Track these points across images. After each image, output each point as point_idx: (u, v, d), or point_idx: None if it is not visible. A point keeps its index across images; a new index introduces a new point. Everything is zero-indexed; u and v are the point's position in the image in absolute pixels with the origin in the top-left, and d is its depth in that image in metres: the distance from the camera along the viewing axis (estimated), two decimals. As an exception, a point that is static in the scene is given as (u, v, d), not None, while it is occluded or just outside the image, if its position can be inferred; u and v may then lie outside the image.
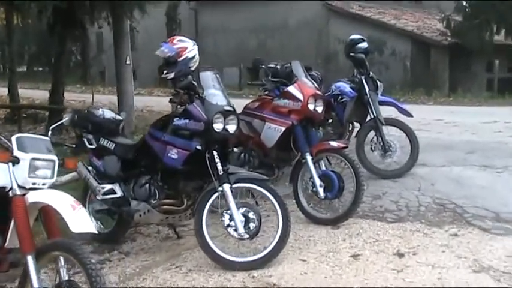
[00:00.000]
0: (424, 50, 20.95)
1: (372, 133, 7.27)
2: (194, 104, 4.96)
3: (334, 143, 5.85)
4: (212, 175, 4.86)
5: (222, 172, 4.86)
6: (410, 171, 7.14)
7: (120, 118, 6.01)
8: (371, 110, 7.18)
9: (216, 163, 4.87)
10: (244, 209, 4.84)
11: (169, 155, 4.99)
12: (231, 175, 4.90)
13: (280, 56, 26.09)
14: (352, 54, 7.35)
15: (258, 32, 26.43)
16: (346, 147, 5.86)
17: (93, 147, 5.76)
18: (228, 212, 4.79)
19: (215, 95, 5.01)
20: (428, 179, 6.94)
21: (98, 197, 5.59)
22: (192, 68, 5.06)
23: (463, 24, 20.00)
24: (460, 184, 6.67)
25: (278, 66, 7.67)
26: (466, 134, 9.47)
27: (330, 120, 7.50)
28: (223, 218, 4.80)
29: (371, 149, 7.24)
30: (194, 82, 4.99)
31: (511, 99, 16.54)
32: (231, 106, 5.02)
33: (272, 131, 5.95)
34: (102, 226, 5.87)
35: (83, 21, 11.53)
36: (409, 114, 7.38)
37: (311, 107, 5.85)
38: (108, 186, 5.54)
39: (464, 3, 20.44)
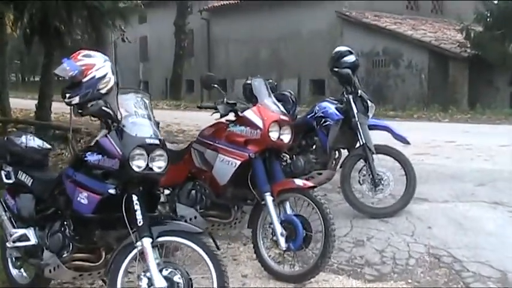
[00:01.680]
0: (442, 62, 19.67)
1: (361, 163, 6.14)
2: (108, 136, 3.88)
3: (299, 182, 4.72)
4: (128, 226, 3.79)
5: (141, 223, 3.77)
6: (404, 208, 5.99)
7: (49, 147, 4.98)
8: (359, 135, 6.05)
9: (135, 211, 3.79)
10: (170, 270, 3.74)
11: (78, 199, 3.92)
12: (155, 226, 3.82)
13: (292, 66, 25.19)
14: (336, 69, 6.22)
15: (270, 42, 25.41)
16: (314, 186, 4.73)
17: (10, 181, 4.75)
18: (147, 274, 3.69)
19: (137, 124, 3.91)
20: (426, 219, 5.78)
21: (8, 244, 4.58)
22: (103, 91, 3.95)
23: (484, 35, 18.70)
24: (462, 228, 5.50)
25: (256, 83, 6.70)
26: (478, 160, 8.25)
27: (313, 147, 6.42)
28: (140, 283, 3.71)
29: (359, 181, 6.10)
30: (107, 108, 3.88)
31: (535, 116, 15.24)
32: (158, 138, 3.92)
33: (225, 165, 4.85)
34: (25, 274, 4.89)
35: (60, 29, 10.52)
36: (405, 141, 6.24)
37: (274, 135, 4.74)
38: (20, 232, 4.51)
39: (486, 12, 19.06)
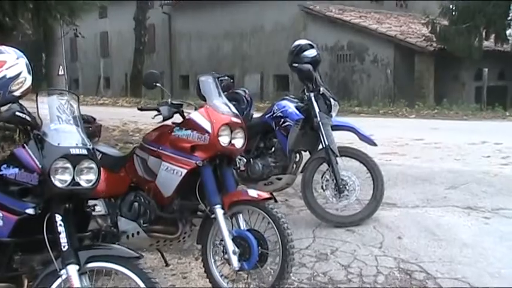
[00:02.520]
0: (408, 57, 19.32)
1: (324, 167, 5.62)
2: (26, 146, 3.28)
3: (253, 192, 4.15)
4: (50, 252, 3.21)
5: (66, 247, 3.18)
6: (372, 216, 5.49)
7: None
8: (321, 136, 5.53)
9: (59, 233, 3.20)
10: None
11: (-8, 220, 3.32)
12: (83, 251, 3.24)
13: (255, 61, 24.63)
14: (295, 64, 5.68)
15: (233, 37, 24.82)
16: (270, 198, 4.18)
17: None
18: (74, 308, 3.11)
19: (60, 132, 3.30)
20: (395, 228, 5.30)
21: None
22: (17, 93, 3.34)
23: (450, 28, 18.39)
24: (435, 238, 5.01)
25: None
26: (448, 159, 7.81)
27: (272, 150, 5.88)
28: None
29: (322, 187, 5.59)
30: (23, 114, 3.26)
31: (501, 111, 14.94)
32: (86, 147, 3.33)
33: (170, 174, 4.26)
34: None
35: (3, 23, 9.75)
36: (371, 143, 5.75)
37: (224, 140, 4.18)
38: None
39: (451, 6, 18.75)
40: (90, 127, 5.13)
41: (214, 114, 4.23)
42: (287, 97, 5.92)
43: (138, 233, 4.43)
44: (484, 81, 16.76)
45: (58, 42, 10.43)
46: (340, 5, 22.50)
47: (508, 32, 19.51)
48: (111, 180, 4.76)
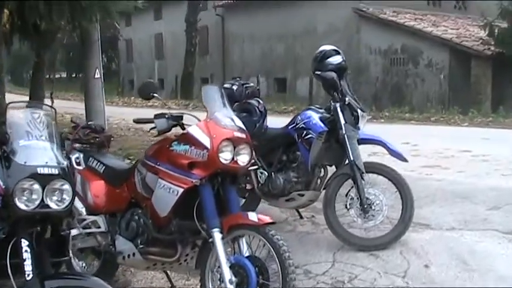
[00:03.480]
0: (464, 61, 18.45)
1: (348, 184, 5.16)
2: None
3: (253, 216, 3.73)
4: (13, 281, 2.91)
5: (31, 276, 2.88)
6: (400, 238, 5.00)
7: None
8: (347, 151, 5.08)
9: (24, 260, 2.90)
10: None
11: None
12: (50, 280, 2.93)
13: (308, 64, 23.92)
14: (318, 72, 5.24)
15: (286, 39, 24.38)
16: (272, 223, 3.76)
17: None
18: None
19: (29, 149, 3.00)
20: (424, 254, 4.80)
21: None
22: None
23: (509, 31, 17.44)
24: (467, 268, 4.48)
25: (235, 87, 5.77)
26: (495, 175, 7.19)
27: (295, 163, 5.47)
28: None
29: (346, 206, 5.13)
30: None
31: None
32: (58, 165, 3.00)
33: (166, 193, 3.90)
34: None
35: (38, 26, 9.67)
36: (401, 158, 5.23)
37: (225, 157, 3.78)
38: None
39: (511, 6, 17.73)
40: (98, 137, 4.86)
41: (215, 128, 3.85)
42: (312, 107, 5.51)
43: (133, 254, 4.12)
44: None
45: (95, 45, 10.25)
46: (395, 6, 21.76)
47: None
48: (112, 194, 4.49)
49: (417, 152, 8.90)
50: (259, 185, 5.67)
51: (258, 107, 5.19)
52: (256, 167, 5.63)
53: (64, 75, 53.86)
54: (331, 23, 22.06)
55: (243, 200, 6.07)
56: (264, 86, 24.55)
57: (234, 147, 3.85)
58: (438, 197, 6.23)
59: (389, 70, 20.41)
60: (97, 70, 10.24)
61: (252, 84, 6.09)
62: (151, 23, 34.22)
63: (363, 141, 5.21)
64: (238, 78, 6.12)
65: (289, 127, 5.43)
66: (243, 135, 3.91)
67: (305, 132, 5.22)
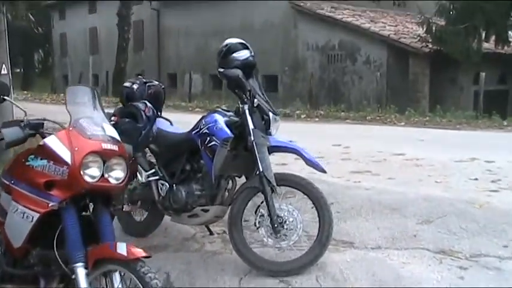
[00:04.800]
0: (402, 59, 18.08)
1: (258, 198, 4.45)
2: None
3: (122, 249, 2.95)
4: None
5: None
6: (317, 261, 4.32)
7: None
8: (256, 160, 4.36)
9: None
10: None
11: None
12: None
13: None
14: (221, 69, 4.50)
15: (221, 34, 23.48)
16: (147, 256, 2.99)
17: None
18: None
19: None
20: (343, 279, 4.15)
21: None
22: None
23: (447, 29, 17.11)
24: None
25: (135, 86, 5.02)
26: (428, 182, 6.59)
27: (199, 175, 4.73)
28: None
29: (255, 224, 4.42)
30: None
31: (498, 120, 13.70)
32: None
33: (19, 219, 3.10)
34: None
35: None
36: (319, 169, 4.53)
37: (92, 174, 3.02)
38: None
39: (449, 4, 17.43)
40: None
41: (78, 138, 3.06)
42: (219, 109, 4.74)
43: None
44: (480, 86, 15.52)
45: (1, 36, 9.20)
46: (334, 2, 21.28)
47: (510, 33, 18.26)
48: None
49: (348, 156, 8.28)
50: (160, 197, 4.92)
51: (144, 111, 4.41)
52: (157, 177, 4.93)
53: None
54: (267, 18, 21.47)
55: (146, 214, 5.34)
56: (200, 83, 23.79)
57: (104, 162, 3.09)
58: (365, 208, 5.58)
59: (327, 67, 19.90)
60: (3, 65, 9.17)
61: (156, 82, 5.33)
62: (85, 17, 32.96)
63: (274, 149, 4.49)
64: (140, 76, 5.36)
65: (193, 132, 4.68)
66: (115, 147, 3.14)
67: (208, 138, 4.48)
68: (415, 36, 18.23)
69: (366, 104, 16.62)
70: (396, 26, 20.27)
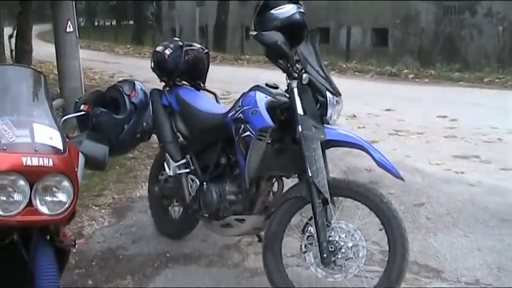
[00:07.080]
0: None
1: (306, 212, 3.23)
2: None
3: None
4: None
5: None
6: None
7: None
8: (304, 161, 3.12)
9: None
10: None
11: None
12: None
13: (354, 12, 21.43)
14: (254, 32, 3.23)
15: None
16: None
17: None
18: None
19: None
20: None
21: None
22: None
23: None
24: None
25: (167, 51, 4.00)
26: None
27: (235, 172, 3.57)
28: None
29: (300, 248, 3.22)
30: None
31: None
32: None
33: None
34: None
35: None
36: (395, 174, 3.20)
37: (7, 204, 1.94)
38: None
39: None
40: None
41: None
42: (264, 85, 3.47)
43: None
44: None
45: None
46: None
47: None
48: None
49: (453, 132, 6.80)
50: (191, 197, 3.83)
51: (129, 95, 3.24)
52: (187, 170, 3.84)
53: (114, 22, 52.74)
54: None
55: (181, 211, 4.29)
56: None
57: (31, 185, 2.00)
58: (465, 216, 4.22)
59: (442, 20, 17.89)
60: (69, 22, 8.35)
61: (197, 46, 4.20)
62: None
63: (332, 143, 3.22)
64: (177, 39, 4.24)
65: (229, 115, 3.50)
66: (47, 161, 2.04)
67: (242, 126, 3.29)
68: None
69: (484, 63, 14.61)
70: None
